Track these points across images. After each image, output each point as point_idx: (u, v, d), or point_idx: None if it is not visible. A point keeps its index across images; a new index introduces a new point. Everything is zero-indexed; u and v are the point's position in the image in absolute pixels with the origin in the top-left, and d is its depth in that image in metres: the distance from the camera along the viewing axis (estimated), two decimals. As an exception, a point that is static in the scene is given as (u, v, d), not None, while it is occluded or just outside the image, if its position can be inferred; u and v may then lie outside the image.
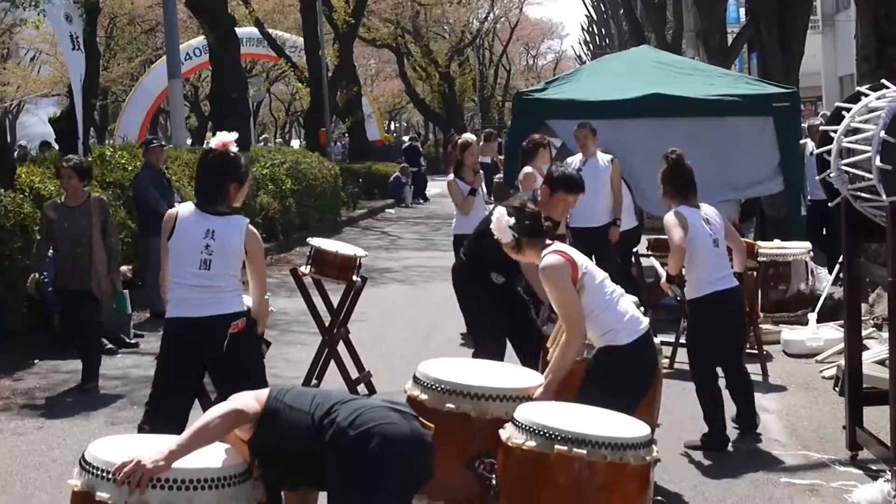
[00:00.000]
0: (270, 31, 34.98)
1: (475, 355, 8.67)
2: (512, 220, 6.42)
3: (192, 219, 6.47)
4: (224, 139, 6.50)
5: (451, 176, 12.83)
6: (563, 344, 6.28)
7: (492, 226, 6.53)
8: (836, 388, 9.92)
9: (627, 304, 6.53)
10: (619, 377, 6.30)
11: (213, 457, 4.65)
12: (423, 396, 5.95)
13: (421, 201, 36.93)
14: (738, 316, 8.87)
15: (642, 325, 6.47)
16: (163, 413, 6.49)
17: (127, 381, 10.88)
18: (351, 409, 4.70)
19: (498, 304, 8.69)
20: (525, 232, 6.46)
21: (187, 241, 6.42)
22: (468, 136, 13.37)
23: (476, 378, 6.03)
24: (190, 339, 6.45)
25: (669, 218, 8.41)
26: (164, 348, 6.61)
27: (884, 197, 7.04)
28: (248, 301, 6.66)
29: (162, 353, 6.65)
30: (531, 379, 6.30)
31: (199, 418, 4.73)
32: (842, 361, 9.82)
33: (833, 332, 11.44)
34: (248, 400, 4.85)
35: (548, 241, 6.48)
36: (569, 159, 12.94)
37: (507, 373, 6.53)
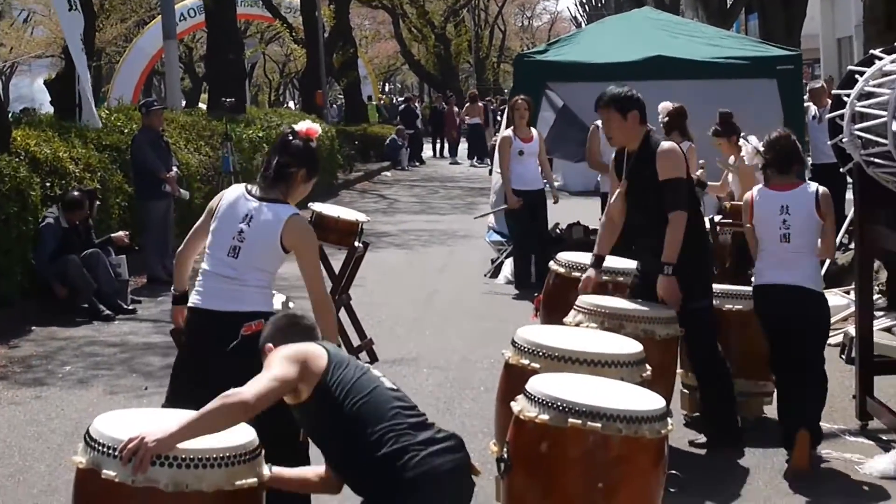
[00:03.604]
0: (265, -9, 34.65)
1: None
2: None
3: (237, 201, 5.80)
4: (311, 127, 5.86)
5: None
6: None
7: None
8: (843, 356, 9.82)
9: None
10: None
11: (222, 433, 4.48)
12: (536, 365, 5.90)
13: (417, 164, 36.73)
14: None
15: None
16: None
17: (125, 348, 10.72)
18: (421, 453, 4.58)
19: None
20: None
21: (225, 225, 5.76)
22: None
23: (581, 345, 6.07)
24: (200, 333, 5.77)
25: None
26: (185, 339, 6.00)
27: (899, 163, 6.91)
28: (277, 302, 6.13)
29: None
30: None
31: (214, 400, 4.48)
32: (849, 328, 9.72)
33: (838, 299, 11.30)
34: (288, 368, 4.64)
35: None
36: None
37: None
